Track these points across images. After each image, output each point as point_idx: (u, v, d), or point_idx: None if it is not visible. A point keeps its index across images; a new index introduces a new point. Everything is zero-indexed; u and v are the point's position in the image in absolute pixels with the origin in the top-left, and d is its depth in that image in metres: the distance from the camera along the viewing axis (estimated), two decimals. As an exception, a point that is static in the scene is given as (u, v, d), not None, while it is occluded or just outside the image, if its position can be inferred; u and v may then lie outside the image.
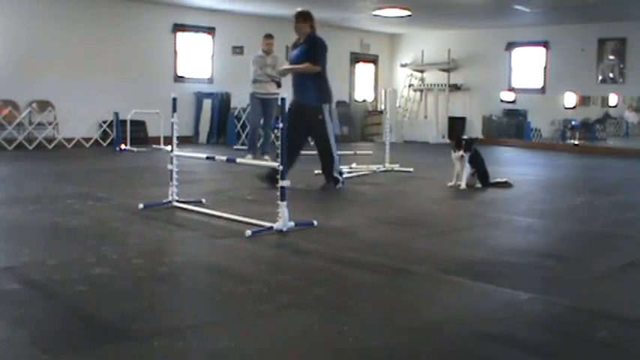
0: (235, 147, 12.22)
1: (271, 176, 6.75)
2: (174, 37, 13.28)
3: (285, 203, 4.65)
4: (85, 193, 6.28)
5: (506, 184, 7.42)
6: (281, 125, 4.62)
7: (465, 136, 7.50)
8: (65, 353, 2.49)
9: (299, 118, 6.60)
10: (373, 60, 17.44)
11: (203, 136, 13.49)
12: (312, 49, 6.75)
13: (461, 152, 7.16)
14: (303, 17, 6.86)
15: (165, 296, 3.27)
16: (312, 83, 6.75)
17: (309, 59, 6.71)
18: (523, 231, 5.18)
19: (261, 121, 10.20)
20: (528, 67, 15.38)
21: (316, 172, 8.35)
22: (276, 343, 2.66)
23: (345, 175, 8.16)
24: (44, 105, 11.39)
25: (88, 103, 11.47)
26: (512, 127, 15.33)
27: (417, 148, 13.78)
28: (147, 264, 3.79)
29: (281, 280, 3.54)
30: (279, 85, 10.02)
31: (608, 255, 4.44)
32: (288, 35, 15.19)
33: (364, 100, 17.22)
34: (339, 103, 16.21)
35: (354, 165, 8.97)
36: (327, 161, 6.97)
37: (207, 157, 6.19)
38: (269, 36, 10.30)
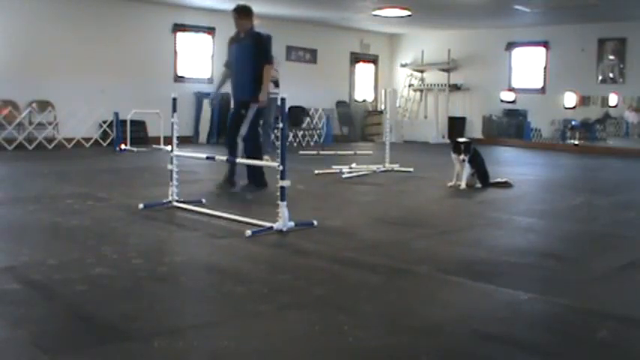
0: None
1: (229, 180, 6.62)
2: (174, 37, 13.29)
3: (285, 203, 4.66)
4: (85, 193, 6.28)
5: (506, 184, 7.42)
6: (281, 125, 4.62)
7: (461, 139, 7.46)
8: (65, 353, 2.49)
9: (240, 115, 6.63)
10: (373, 60, 17.44)
11: (203, 136, 13.49)
12: (260, 47, 6.58)
13: (462, 157, 7.19)
14: (245, 13, 6.66)
15: (165, 296, 3.27)
16: (252, 81, 6.54)
17: (259, 58, 6.54)
18: (523, 231, 5.18)
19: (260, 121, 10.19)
20: (528, 67, 15.38)
21: (316, 172, 8.36)
22: (276, 343, 2.66)
23: (345, 175, 8.18)
24: (44, 105, 11.39)
25: (88, 103, 11.48)
26: (512, 127, 15.34)
27: (417, 148, 13.79)
28: (147, 264, 3.79)
29: (281, 280, 3.54)
30: (276, 85, 10.04)
31: (608, 255, 4.44)
32: (288, 35, 15.25)
33: (364, 100, 17.22)
34: (339, 103, 16.23)
35: (354, 165, 8.97)
36: (233, 163, 6.45)
37: (207, 157, 6.20)
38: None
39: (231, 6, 13.11)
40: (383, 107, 15.64)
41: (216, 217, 5.18)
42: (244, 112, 6.58)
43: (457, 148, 7.27)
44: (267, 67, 6.58)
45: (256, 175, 6.69)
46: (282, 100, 4.62)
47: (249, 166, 6.58)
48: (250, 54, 6.56)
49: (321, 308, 3.09)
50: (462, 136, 10.32)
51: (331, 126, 14.91)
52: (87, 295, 3.20)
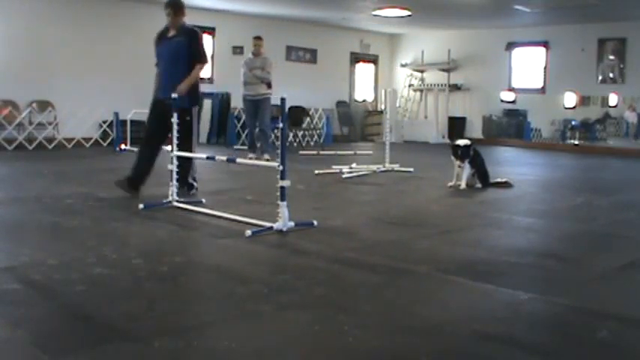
0: (235, 147, 12.24)
1: (132, 181, 6.13)
2: (174, 37, 13.27)
3: (285, 203, 4.65)
4: (85, 193, 6.28)
5: (506, 184, 7.43)
6: (281, 125, 4.62)
7: (461, 142, 7.45)
8: (65, 353, 2.49)
9: (162, 116, 6.07)
10: (373, 60, 17.45)
11: (203, 136, 13.47)
12: (196, 45, 6.19)
13: (458, 163, 7.24)
14: (181, 8, 6.19)
15: (165, 296, 3.27)
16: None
17: (195, 56, 6.14)
18: (523, 231, 5.17)
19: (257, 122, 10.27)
20: (528, 67, 15.39)
21: (316, 172, 8.36)
22: (276, 343, 2.66)
23: (345, 175, 8.18)
24: (44, 105, 11.40)
25: (88, 103, 11.48)
26: (512, 127, 15.34)
27: (417, 148, 13.78)
28: (147, 264, 3.79)
29: (281, 280, 3.54)
30: (269, 86, 10.08)
31: (608, 255, 4.44)
32: (288, 35, 15.24)
33: (364, 100, 17.22)
34: (339, 103, 16.23)
35: (354, 165, 8.97)
36: (186, 165, 6.15)
37: (208, 157, 6.19)
38: (257, 37, 10.36)
39: (230, 6, 13.23)
40: (383, 107, 15.63)
41: (216, 217, 5.18)
42: (189, 119, 6.13)
43: (455, 152, 7.31)
44: (199, 67, 6.20)
45: (186, 178, 6.25)
46: (282, 100, 4.62)
47: (182, 171, 6.02)
48: (185, 52, 6.12)
49: (321, 308, 3.09)
50: (462, 137, 10.32)
51: (331, 126, 14.90)
52: (87, 295, 3.20)
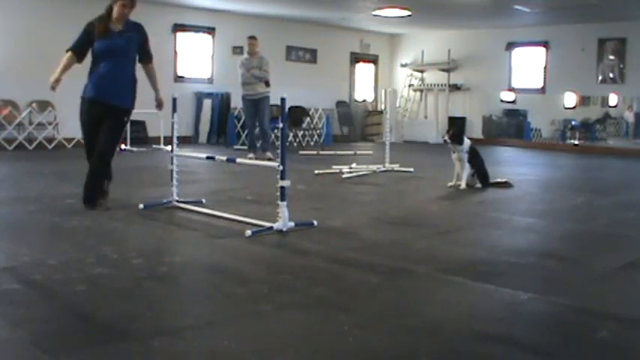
0: (235, 147, 12.24)
1: (93, 193, 5.61)
2: (174, 37, 13.28)
3: (285, 203, 4.65)
4: (85, 193, 6.26)
5: (506, 184, 7.43)
6: (281, 125, 4.62)
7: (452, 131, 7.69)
8: (65, 353, 2.49)
9: (103, 119, 5.75)
10: (373, 60, 17.44)
11: (203, 136, 13.49)
12: (146, 42, 5.81)
13: (445, 137, 7.44)
14: (135, 1, 5.73)
15: (165, 296, 3.27)
16: (132, 85, 5.76)
17: (147, 55, 5.83)
18: (523, 231, 5.17)
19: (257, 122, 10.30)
20: (528, 67, 15.39)
21: (316, 172, 8.36)
22: (276, 343, 2.66)
23: (345, 175, 8.18)
24: (44, 105, 11.39)
25: (88, 103, 11.46)
26: (512, 127, 15.35)
27: (417, 148, 13.79)
28: (147, 264, 3.79)
29: (281, 280, 3.54)
30: (267, 85, 10.11)
31: (608, 255, 4.44)
32: (288, 35, 15.23)
33: (364, 100, 17.22)
34: (339, 103, 16.23)
35: (354, 165, 8.97)
36: (104, 170, 5.73)
37: (207, 157, 6.20)
38: (252, 37, 10.39)
39: (230, 6, 13.21)
40: (383, 107, 15.64)
41: (216, 217, 5.18)
42: (126, 119, 5.81)
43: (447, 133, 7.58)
44: (152, 65, 5.90)
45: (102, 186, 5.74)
46: (282, 99, 4.62)
47: (97, 180, 5.70)
48: (135, 50, 5.69)
49: (321, 308, 3.09)
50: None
51: (331, 126, 14.90)
52: (87, 295, 3.20)
